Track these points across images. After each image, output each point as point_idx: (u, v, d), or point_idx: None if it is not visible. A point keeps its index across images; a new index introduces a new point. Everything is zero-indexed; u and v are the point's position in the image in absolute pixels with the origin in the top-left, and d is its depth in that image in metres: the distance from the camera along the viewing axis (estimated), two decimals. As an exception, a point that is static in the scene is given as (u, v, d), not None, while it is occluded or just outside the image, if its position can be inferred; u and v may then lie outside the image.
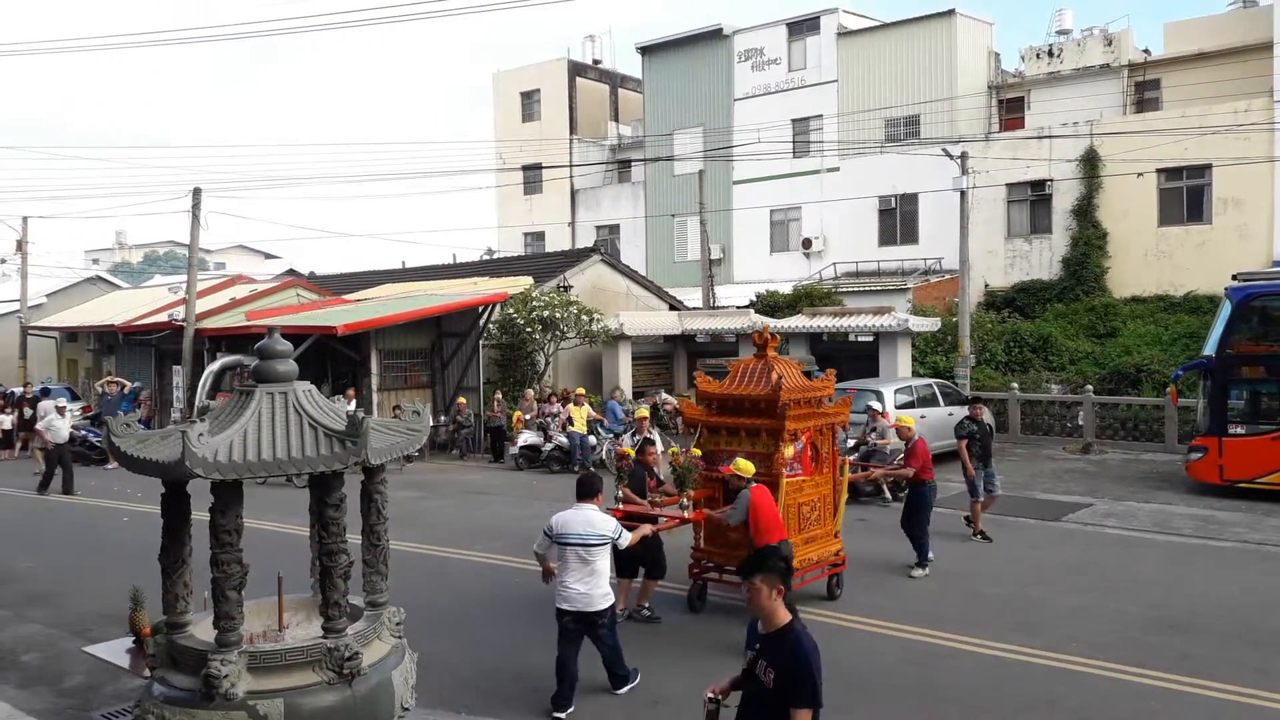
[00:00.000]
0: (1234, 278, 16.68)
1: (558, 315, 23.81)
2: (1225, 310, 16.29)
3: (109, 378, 28.37)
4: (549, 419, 20.84)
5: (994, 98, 32.92)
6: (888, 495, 15.75)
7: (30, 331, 34.30)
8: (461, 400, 23.41)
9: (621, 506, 9.63)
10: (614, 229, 41.13)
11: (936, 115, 31.47)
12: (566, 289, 26.08)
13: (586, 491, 7.87)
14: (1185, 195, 27.73)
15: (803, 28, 35.16)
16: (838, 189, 33.59)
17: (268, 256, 62.39)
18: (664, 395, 24.43)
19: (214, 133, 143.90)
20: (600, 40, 44.83)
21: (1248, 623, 9.28)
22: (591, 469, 18.34)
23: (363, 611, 5.80)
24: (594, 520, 7.65)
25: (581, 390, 21.51)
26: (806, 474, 9.93)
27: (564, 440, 20.17)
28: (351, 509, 5.55)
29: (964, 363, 22.90)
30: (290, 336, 7.26)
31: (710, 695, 4.72)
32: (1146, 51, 31.74)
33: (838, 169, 33.84)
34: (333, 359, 23.54)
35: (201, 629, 5.57)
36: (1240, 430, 15.72)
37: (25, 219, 35.59)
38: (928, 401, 19.22)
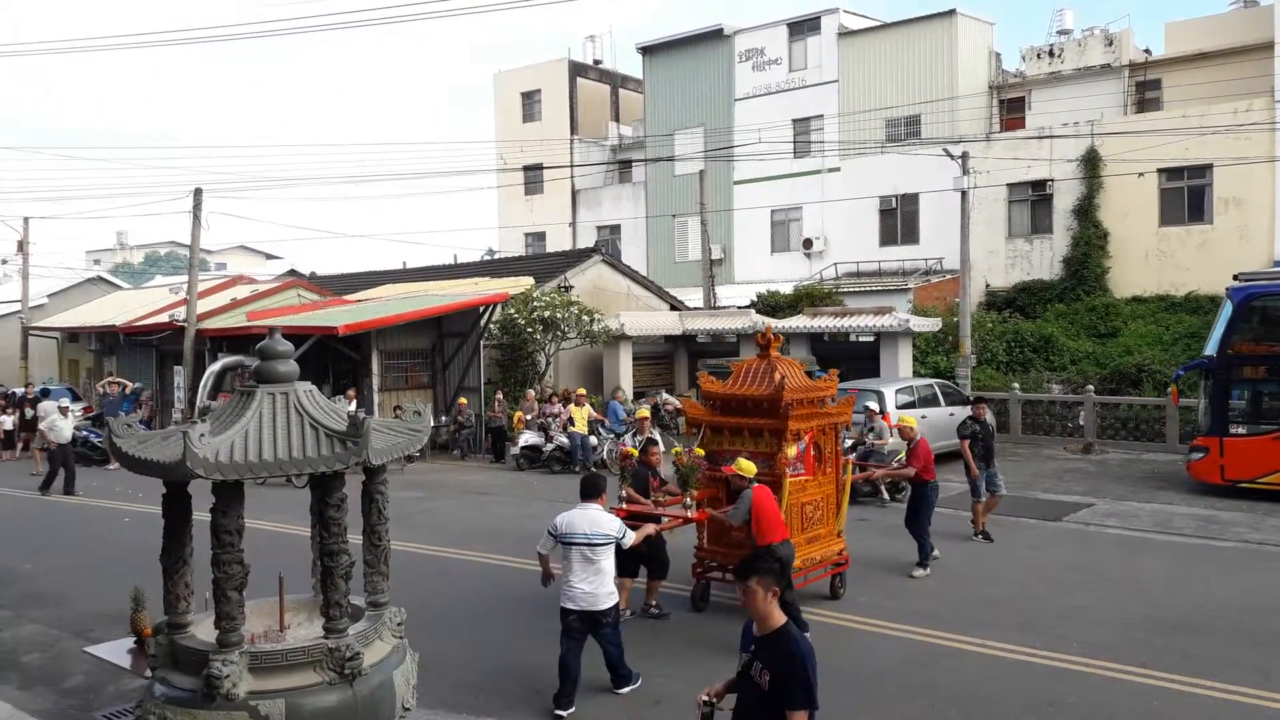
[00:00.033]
0: (1235, 278, 16.67)
1: (559, 315, 23.81)
2: (1226, 310, 16.28)
3: (110, 378, 28.40)
4: (550, 419, 20.84)
5: (995, 98, 32.93)
6: (885, 496, 15.74)
7: (31, 332, 34.33)
8: (462, 400, 23.41)
9: (625, 506, 9.65)
10: (615, 229, 41.14)
11: (937, 115, 31.47)
12: (567, 289, 26.09)
13: (591, 491, 7.90)
14: (1186, 195, 27.73)
15: (803, 28, 35.17)
16: (838, 189, 33.60)
17: (269, 257, 62.43)
18: (665, 395, 24.43)
19: (215, 133, 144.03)
20: (601, 40, 44.89)
21: (1249, 623, 9.28)
22: (592, 469, 18.36)
23: (364, 612, 5.80)
24: (599, 519, 7.68)
25: (582, 390, 21.51)
26: (809, 474, 9.96)
27: (565, 440, 20.17)
28: (352, 509, 5.55)
29: (965, 363, 22.90)
30: (291, 337, 7.26)
31: (704, 699, 4.71)
32: (1147, 51, 31.75)
33: (838, 169, 33.85)
34: (334, 359, 23.55)
35: (203, 629, 5.57)
36: (1241, 430, 15.71)
37: (26, 220, 35.69)
38: (929, 402, 19.22)
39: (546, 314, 23.72)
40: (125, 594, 7.44)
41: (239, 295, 29.58)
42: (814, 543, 9.97)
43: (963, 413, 19.09)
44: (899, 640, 9.00)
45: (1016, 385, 22.93)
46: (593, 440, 20.14)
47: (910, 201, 32.18)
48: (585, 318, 24.23)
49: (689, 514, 9.62)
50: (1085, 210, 28.60)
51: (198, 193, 25.32)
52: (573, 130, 42.51)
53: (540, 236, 43.21)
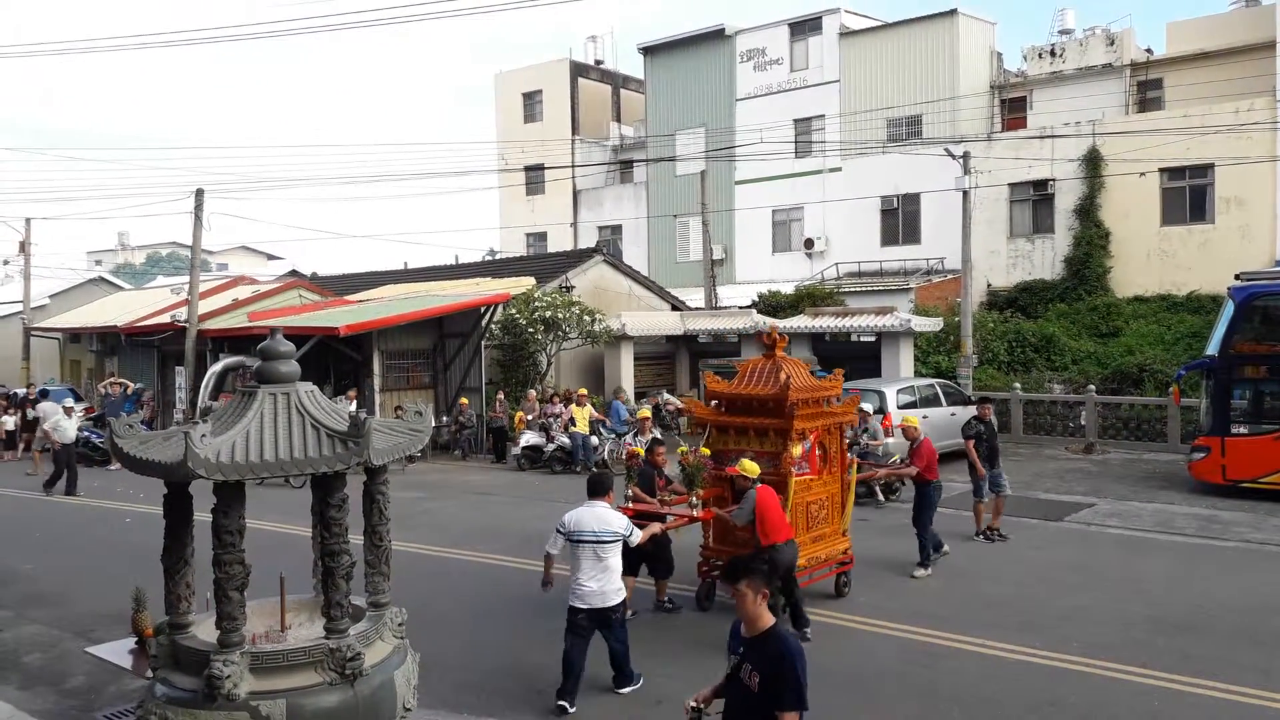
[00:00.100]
0: (1237, 277, 16.66)
1: (560, 316, 23.81)
2: (1228, 310, 16.27)
3: (112, 379, 28.42)
4: (551, 419, 20.84)
5: (996, 97, 32.92)
6: (880, 497, 15.69)
7: (33, 333, 34.36)
8: (464, 401, 23.42)
9: (631, 505, 9.70)
10: (616, 229, 41.15)
11: (939, 115, 31.47)
12: (569, 289, 26.09)
13: (598, 489, 7.96)
14: (1188, 195, 27.73)
15: (805, 28, 35.17)
16: (840, 189, 33.59)
17: (270, 257, 62.45)
18: (666, 395, 24.43)
19: (217, 133, 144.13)
20: (602, 41, 44.90)
21: (1250, 623, 9.27)
22: (594, 469, 18.36)
23: (365, 612, 5.81)
24: (606, 517, 7.74)
25: (584, 391, 21.51)
26: (814, 473, 10.01)
27: (566, 441, 20.17)
28: (353, 509, 5.56)
29: (966, 362, 22.90)
30: (293, 337, 7.26)
31: (692, 705, 4.70)
32: (1149, 51, 31.74)
33: (840, 169, 33.85)
34: (335, 360, 23.56)
35: (204, 629, 5.58)
36: (1243, 430, 15.70)
37: (28, 220, 35.69)
38: (930, 401, 19.21)
39: (548, 314, 23.72)
40: (126, 594, 7.44)
41: (240, 296, 29.60)
42: (819, 542, 10.03)
43: (964, 412, 19.11)
44: (900, 640, 9.00)
45: (1018, 385, 22.92)
46: (594, 440, 20.14)
47: (912, 201, 32.17)
48: (586, 318, 24.23)
49: (694, 513, 9.67)
50: (1087, 210, 28.59)
51: (199, 193, 25.33)
52: (574, 130, 42.52)
53: (541, 237, 43.22)
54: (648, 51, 39.51)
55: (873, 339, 22.86)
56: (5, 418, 25.47)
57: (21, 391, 27.67)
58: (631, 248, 39.56)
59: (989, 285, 29.99)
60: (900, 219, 32.83)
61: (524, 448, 20.80)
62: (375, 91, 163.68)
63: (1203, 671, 7.97)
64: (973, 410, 19.14)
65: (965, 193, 23.55)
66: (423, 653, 6.24)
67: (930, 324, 23.56)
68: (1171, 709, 7.35)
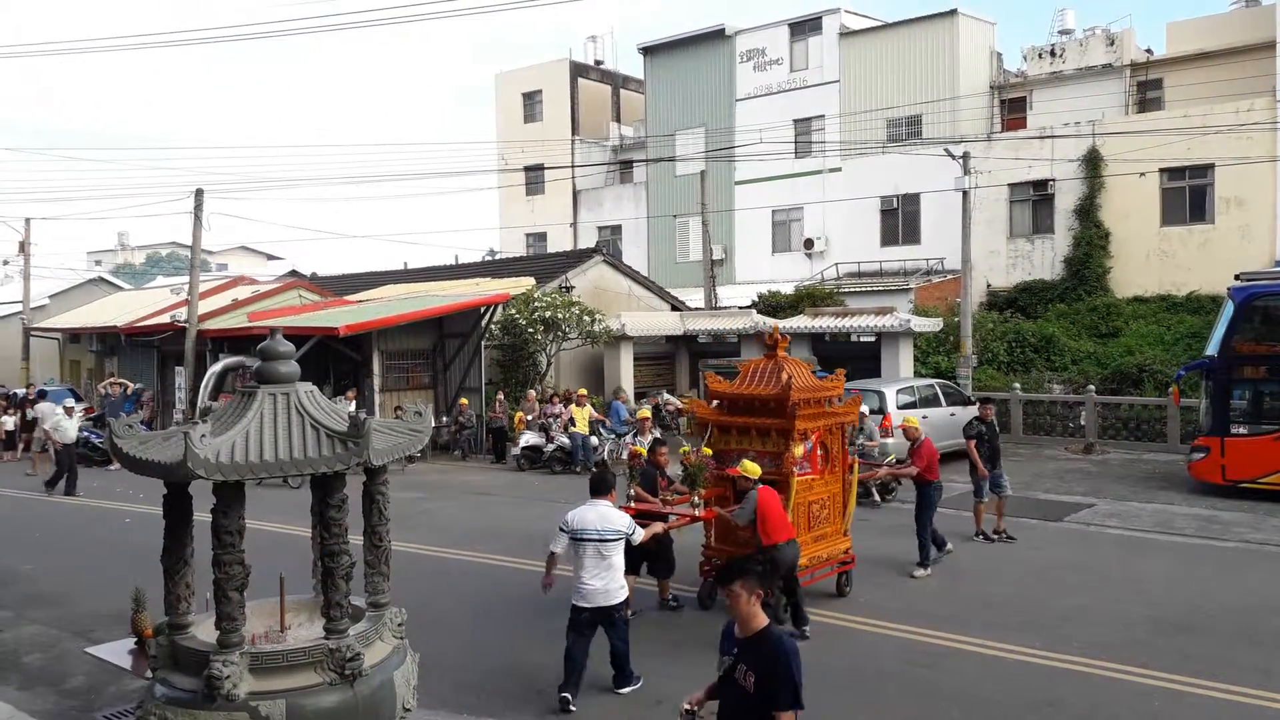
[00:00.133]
0: (1236, 278, 16.66)
1: (560, 316, 23.81)
2: (1228, 310, 16.27)
3: (112, 379, 28.42)
4: (551, 420, 20.84)
5: (996, 97, 32.92)
6: (876, 497, 15.66)
7: (33, 333, 34.36)
8: (463, 401, 23.41)
9: (634, 505, 9.73)
10: (616, 229, 41.14)
11: (938, 115, 31.47)
12: (568, 289, 26.09)
13: (600, 488, 8.00)
14: (1188, 195, 27.73)
15: (804, 28, 35.17)
16: (840, 189, 33.59)
17: (270, 258, 62.45)
18: (666, 396, 24.43)
19: (216, 134, 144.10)
20: (602, 41, 44.90)
21: (1250, 623, 9.27)
22: (594, 469, 18.34)
23: (364, 612, 5.81)
24: (609, 516, 7.78)
25: (583, 391, 21.51)
26: (816, 473, 10.05)
27: (566, 441, 20.18)
28: (353, 510, 5.56)
29: (966, 363, 22.90)
30: (292, 337, 7.26)
31: (687, 707, 4.69)
32: (1149, 51, 31.74)
33: (840, 169, 33.85)
34: (335, 360, 23.56)
35: (203, 630, 5.58)
36: (1243, 430, 15.70)
37: (28, 220, 35.67)
38: (930, 402, 19.21)
39: (547, 314, 23.72)
40: (126, 594, 7.44)
41: (240, 296, 29.59)
42: (820, 541, 10.07)
43: (963, 412, 19.12)
44: (900, 640, 9.00)
45: (1018, 385, 22.92)
46: (594, 441, 20.14)
47: (911, 201, 32.17)
48: (586, 318, 24.23)
49: (696, 513, 9.72)
50: (1086, 210, 28.59)
51: (199, 193, 25.33)
52: (574, 130, 42.52)
53: (541, 237, 43.22)
54: (647, 52, 39.51)
55: (872, 339, 22.86)
56: (5, 418, 25.47)
57: (21, 392, 27.67)
58: (631, 248, 39.56)
59: (989, 285, 29.99)
60: (900, 219, 32.82)
61: (524, 448, 20.80)
62: (375, 92, 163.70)
63: (1202, 671, 7.98)
64: (972, 410, 19.22)
65: (965, 193, 23.56)
66: (422, 653, 6.24)
67: (930, 324, 23.56)
68: (1171, 709, 7.35)
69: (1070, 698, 7.55)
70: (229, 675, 5.01)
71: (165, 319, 27.06)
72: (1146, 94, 30.94)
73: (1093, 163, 28.32)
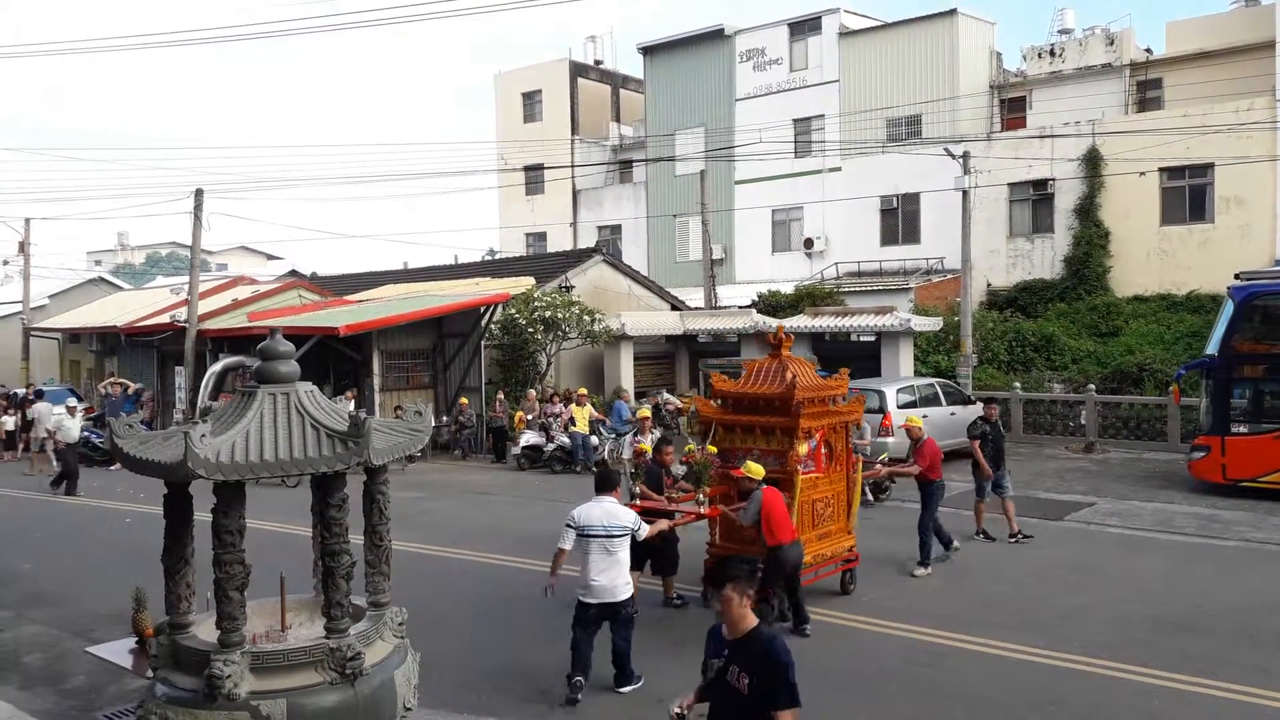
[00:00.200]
0: (1236, 277, 16.67)
1: (559, 315, 23.81)
2: (1228, 309, 16.28)
3: (112, 379, 28.41)
4: (551, 419, 20.85)
5: (996, 97, 32.92)
6: (869, 497, 15.61)
7: (33, 333, 34.36)
8: (463, 400, 23.42)
9: (639, 502, 9.77)
10: (616, 229, 41.14)
11: (938, 115, 31.46)
12: (568, 289, 26.09)
13: (605, 485, 8.07)
14: (1187, 194, 27.73)
15: (804, 28, 35.16)
16: (839, 189, 33.60)
17: (270, 257, 62.44)
18: (666, 395, 24.42)
19: (216, 134, 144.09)
20: (602, 40, 44.90)
21: (1250, 622, 9.27)
22: (594, 469, 18.36)
23: (365, 612, 5.80)
24: (615, 512, 7.84)
25: (584, 390, 21.52)
26: (820, 471, 10.10)
27: (566, 440, 20.18)
28: (353, 509, 5.55)
29: (966, 362, 22.90)
30: (292, 337, 7.26)
31: (677, 711, 4.66)
32: (1148, 51, 31.73)
33: (839, 169, 33.84)
34: (335, 360, 23.56)
35: (204, 629, 5.57)
36: (1243, 429, 15.70)
37: (28, 220, 35.68)
38: (930, 401, 19.21)
39: (547, 314, 23.72)
40: (126, 594, 7.43)
41: (240, 296, 29.59)
42: (825, 539, 10.12)
43: (964, 412, 19.13)
44: (902, 639, 9.00)
45: (1018, 385, 22.93)
46: (594, 440, 20.14)
47: (911, 201, 32.17)
48: (586, 318, 24.23)
49: (701, 510, 9.76)
50: (1086, 210, 28.59)
51: (199, 193, 25.33)
52: (574, 130, 42.52)
53: (541, 236, 43.22)
54: (647, 51, 39.51)
55: (872, 339, 22.86)
56: (5, 418, 25.48)
57: (21, 391, 27.67)
58: (631, 247, 39.56)
59: (989, 285, 29.99)
60: (900, 219, 32.82)
61: (524, 447, 20.80)
62: (375, 92, 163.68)
63: (1203, 671, 7.97)
64: (973, 410, 19.21)
65: (965, 192, 23.56)
66: (423, 652, 6.24)
67: (930, 324, 23.57)
68: (1172, 708, 7.35)
69: (1071, 697, 7.54)
70: (230, 675, 5.01)
71: (165, 319, 27.06)
72: (1146, 93, 30.94)
73: (1092, 162, 28.32)
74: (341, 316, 23.49)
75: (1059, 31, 33.26)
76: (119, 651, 8.62)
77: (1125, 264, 28.32)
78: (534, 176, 42.25)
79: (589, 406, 20.82)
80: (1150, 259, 28.00)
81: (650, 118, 39.72)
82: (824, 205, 33.88)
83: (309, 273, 40.72)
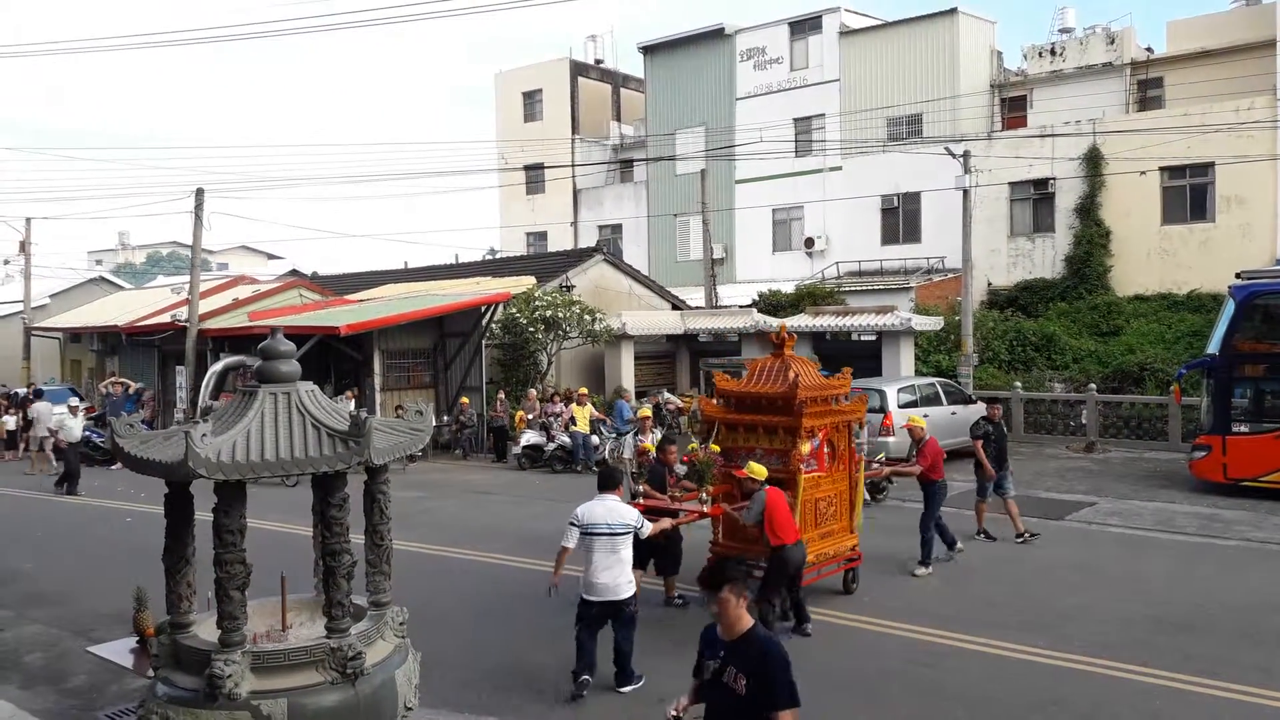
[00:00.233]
0: (1237, 276, 16.66)
1: (560, 315, 23.82)
2: (1229, 309, 16.27)
3: (113, 378, 28.42)
4: (552, 419, 20.85)
5: (996, 96, 32.91)
6: (867, 496, 15.60)
7: (33, 332, 34.36)
8: (464, 400, 23.42)
9: (643, 501, 9.79)
10: (616, 228, 41.14)
11: (939, 114, 31.46)
12: (569, 289, 26.09)
13: (608, 483, 8.10)
14: (1188, 193, 27.71)
15: (805, 27, 35.16)
16: (840, 188, 33.59)
17: (270, 257, 62.46)
18: (666, 395, 24.42)
19: (217, 133, 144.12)
20: (602, 40, 44.87)
21: (1251, 622, 9.27)
22: (595, 468, 18.36)
23: (366, 611, 5.80)
24: (618, 510, 7.87)
25: (584, 390, 21.52)
26: (822, 470, 10.12)
27: (567, 440, 20.18)
28: (354, 509, 5.55)
29: (967, 361, 22.90)
30: (293, 337, 7.26)
31: (674, 713, 4.65)
32: (1149, 50, 31.72)
33: (840, 168, 33.83)
34: (336, 359, 23.56)
35: (205, 629, 5.57)
36: (1244, 429, 15.69)
37: (28, 220, 35.68)
38: (931, 400, 19.21)
39: (548, 313, 23.72)
40: (127, 594, 7.44)
41: (241, 295, 29.59)
42: (827, 538, 10.14)
43: (965, 411, 19.12)
44: (902, 639, 8.99)
45: (1019, 384, 22.92)
46: (594, 440, 20.14)
47: (912, 200, 32.15)
48: (587, 317, 24.23)
49: (704, 509, 9.78)
50: (1087, 209, 28.57)
51: (199, 193, 25.33)
52: (574, 130, 42.51)
53: (542, 236, 43.22)
54: (648, 51, 39.50)
55: (873, 338, 22.86)
56: (6, 417, 25.48)
57: (23, 391, 27.68)
58: (632, 247, 39.55)
59: (989, 284, 29.98)
60: (900, 218, 32.81)
61: (525, 447, 20.80)
62: (375, 91, 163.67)
63: (1204, 670, 7.97)
64: (974, 409, 19.20)
65: (965, 191, 23.54)
66: (424, 652, 6.24)
67: (931, 323, 23.56)
68: (1173, 708, 7.35)
69: (1072, 697, 7.54)
70: (231, 674, 5.01)
71: (166, 318, 27.06)
72: (1147, 92, 30.92)
73: (1093, 161, 28.30)
74: (342, 316, 23.49)
75: (1060, 30, 33.26)
76: (120, 651, 8.60)
77: (1126, 263, 28.30)
78: (534, 176, 42.24)
79: (590, 406, 20.83)
80: (1151, 258, 27.99)
81: (651, 117, 39.71)
82: (824, 204, 33.88)
83: (310, 272, 40.72)
